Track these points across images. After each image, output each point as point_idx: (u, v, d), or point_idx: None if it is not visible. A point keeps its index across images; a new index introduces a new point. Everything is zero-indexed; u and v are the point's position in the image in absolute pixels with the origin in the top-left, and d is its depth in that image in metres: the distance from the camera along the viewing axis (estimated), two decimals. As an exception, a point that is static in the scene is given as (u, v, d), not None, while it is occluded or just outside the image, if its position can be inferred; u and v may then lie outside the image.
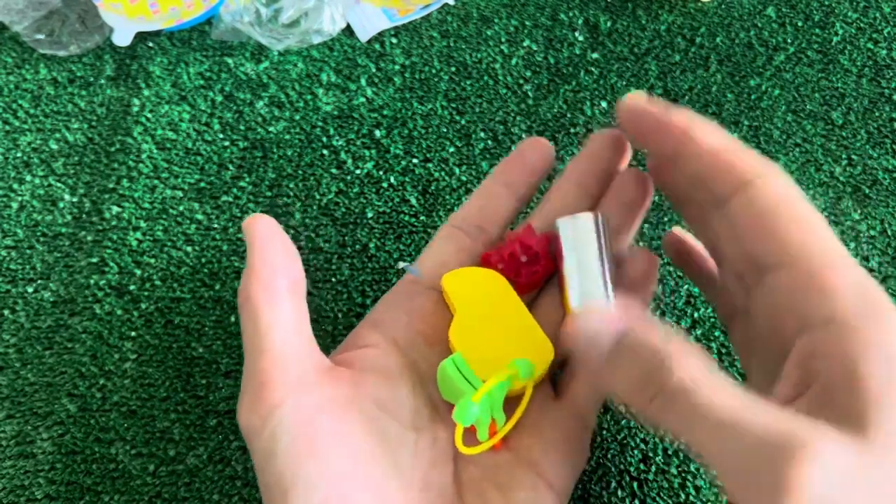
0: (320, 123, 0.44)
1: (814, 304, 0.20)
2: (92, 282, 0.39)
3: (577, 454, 0.27)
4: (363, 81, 0.46)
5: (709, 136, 0.24)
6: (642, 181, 0.29)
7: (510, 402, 0.28)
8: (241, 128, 0.44)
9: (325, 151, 0.43)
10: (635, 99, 0.25)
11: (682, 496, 0.33)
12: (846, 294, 0.20)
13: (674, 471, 0.33)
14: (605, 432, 0.34)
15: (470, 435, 0.27)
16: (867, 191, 0.42)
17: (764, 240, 0.22)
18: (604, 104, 0.45)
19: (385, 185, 0.42)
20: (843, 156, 0.43)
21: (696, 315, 0.37)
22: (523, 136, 0.43)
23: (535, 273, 0.29)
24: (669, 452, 0.34)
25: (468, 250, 0.30)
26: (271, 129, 0.44)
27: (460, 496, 0.26)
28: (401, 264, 0.29)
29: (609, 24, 0.48)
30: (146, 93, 0.45)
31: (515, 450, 0.27)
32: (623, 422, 0.34)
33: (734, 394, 0.19)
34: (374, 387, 0.26)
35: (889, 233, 0.40)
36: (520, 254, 0.29)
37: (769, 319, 0.22)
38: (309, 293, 0.38)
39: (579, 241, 0.27)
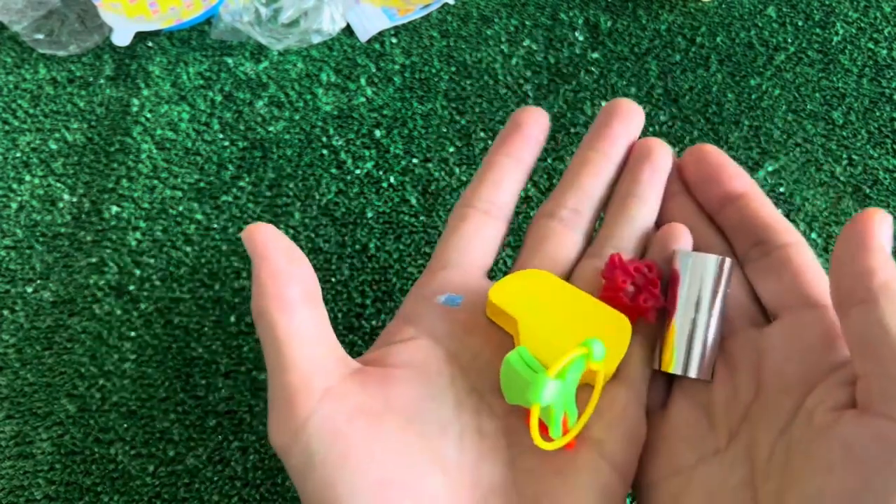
0: (320, 123, 0.44)
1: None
2: (91, 282, 0.39)
3: (637, 428, 0.26)
4: (363, 81, 0.46)
5: (763, 200, 0.28)
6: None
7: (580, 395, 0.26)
8: (241, 128, 0.44)
9: (324, 151, 0.43)
10: (710, 150, 0.29)
11: None
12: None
13: None
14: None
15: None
16: (868, 191, 0.42)
17: (808, 282, 0.26)
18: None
19: (385, 185, 0.42)
20: (844, 156, 0.43)
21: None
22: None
23: (653, 297, 0.27)
24: None
25: (495, 231, 0.29)
26: (271, 128, 0.44)
27: (517, 487, 0.25)
28: (440, 299, 0.27)
29: (609, 23, 0.48)
30: (145, 93, 0.45)
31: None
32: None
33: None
34: (408, 384, 0.25)
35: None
36: (644, 275, 0.27)
37: (791, 346, 0.25)
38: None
39: (703, 286, 0.27)
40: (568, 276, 0.29)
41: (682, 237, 0.29)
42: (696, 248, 0.29)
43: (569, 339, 0.26)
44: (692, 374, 0.26)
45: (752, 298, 0.28)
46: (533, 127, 0.30)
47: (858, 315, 0.23)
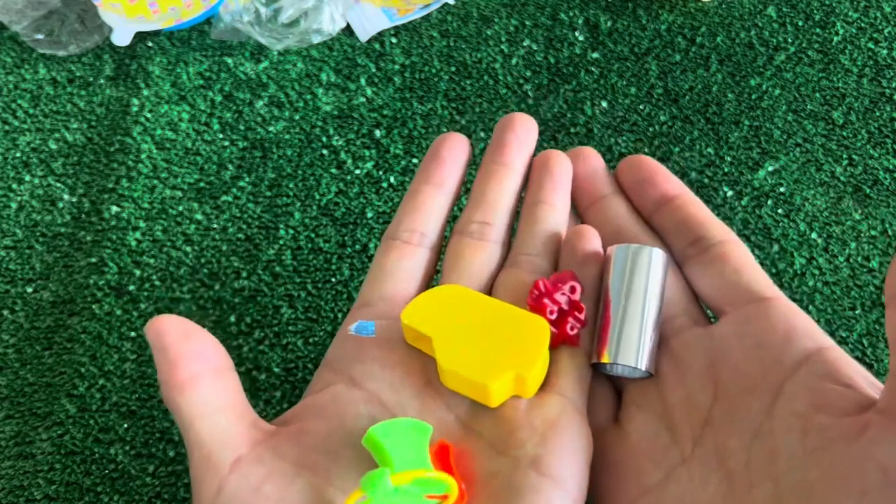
0: (320, 123, 0.44)
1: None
2: (91, 282, 0.39)
3: (579, 440, 0.24)
4: (363, 81, 0.46)
5: (696, 202, 0.29)
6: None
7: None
8: (241, 128, 0.44)
9: (324, 151, 0.43)
10: (646, 158, 0.30)
11: None
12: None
13: None
14: None
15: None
16: (868, 191, 0.42)
17: (751, 277, 0.26)
18: (604, 104, 0.45)
19: (385, 185, 0.42)
20: (844, 156, 0.43)
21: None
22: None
23: (579, 322, 0.27)
24: None
25: (417, 259, 0.29)
26: (271, 128, 0.44)
27: None
28: (351, 330, 0.26)
29: (609, 23, 0.48)
30: (145, 93, 0.45)
31: (505, 448, 0.24)
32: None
33: None
34: (320, 438, 0.24)
35: (890, 233, 0.40)
36: (569, 298, 0.27)
37: (750, 335, 0.25)
38: (310, 294, 0.39)
39: (635, 277, 0.26)
40: (489, 289, 0.28)
41: (591, 238, 0.28)
42: None
43: (485, 349, 0.25)
44: (630, 362, 0.25)
45: (691, 297, 0.28)
46: (452, 151, 0.30)
47: None
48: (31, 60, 0.47)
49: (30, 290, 0.39)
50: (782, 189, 0.41)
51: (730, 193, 0.41)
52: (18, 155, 0.43)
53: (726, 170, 0.42)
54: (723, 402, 0.24)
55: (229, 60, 0.46)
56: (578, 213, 0.31)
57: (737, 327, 0.25)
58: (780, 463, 0.22)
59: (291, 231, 0.40)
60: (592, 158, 0.31)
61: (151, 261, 0.39)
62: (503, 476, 0.23)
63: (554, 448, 0.23)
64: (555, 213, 0.30)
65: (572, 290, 0.27)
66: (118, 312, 0.38)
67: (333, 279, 0.39)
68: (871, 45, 0.47)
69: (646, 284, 0.26)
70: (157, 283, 0.39)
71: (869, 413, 0.21)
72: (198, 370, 0.24)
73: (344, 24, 0.47)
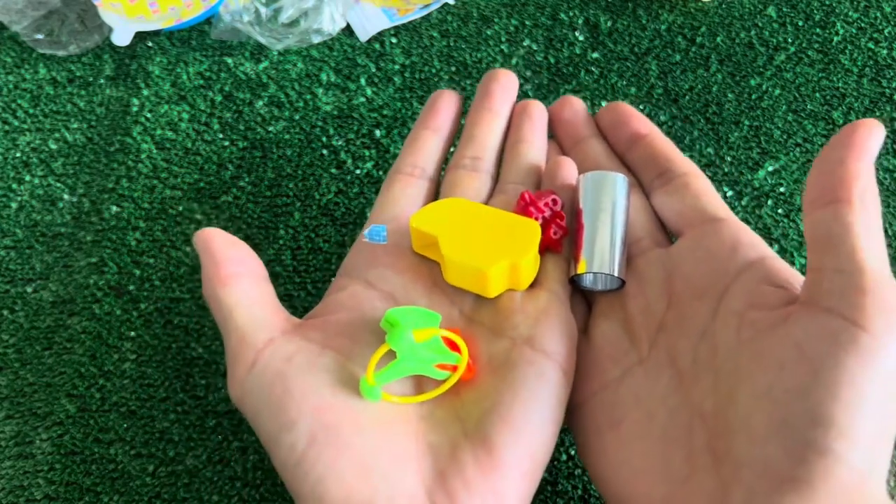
0: (320, 123, 0.44)
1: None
2: (91, 282, 0.39)
3: (566, 323, 0.28)
4: (363, 81, 0.46)
5: (664, 140, 0.33)
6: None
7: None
8: (241, 128, 0.44)
9: (324, 151, 0.43)
10: (622, 104, 0.35)
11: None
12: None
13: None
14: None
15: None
16: (868, 191, 0.41)
17: (707, 202, 0.30)
18: (604, 104, 0.44)
19: (385, 185, 0.42)
20: (844, 156, 0.43)
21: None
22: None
23: (561, 228, 0.30)
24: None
25: (418, 188, 0.33)
26: (271, 128, 0.44)
27: (458, 392, 0.27)
28: (364, 235, 0.31)
29: (609, 23, 0.48)
30: (145, 92, 0.45)
31: (503, 331, 0.27)
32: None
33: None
34: (344, 325, 0.28)
35: (889, 233, 0.40)
36: (551, 208, 0.31)
37: (704, 255, 0.28)
38: (310, 294, 0.39)
39: (602, 198, 0.30)
40: None
41: (568, 167, 0.32)
42: None
43: (484, 243, 0.29)
44: (605, 269, 0.29)
45: (656, 224, 0.31)
46: (446, 104, 0.35)
47: (829, 212, 0.24)
48: (31, 60, 0.47)
49: (30, 290, 0.39)
50: (782, 189, 0.41)
51: (730, 193, 0.41)
52: (18, 155, 0.43)
53: (726, 170, 0.42)
54: (675, 309, 0.28)
55: (229, 60, 0.46)
56: (563, 152, 0.35)
57: (691, 243, 0.29)
58: (719, 357, 0.25)
59: (291, 231, 0.40)
60: (576, 104, 0.35)
61: (151, 261, 0.39)
62: (502, 353, 0.27)
63: (545, 328, 0.27)
64: (534, 150, 0.34)
65: (554, 202, 0.31)
66: (118, 312, 0.38)
67: (333, 279, 0.39)
68: (871, 45, 0.47)
69: (612, 204, 0.30)
70: (157, 283, 0.39)
71: (793, 305, 0.24)
72: (240, 271, 0.28)
73: (344, 24, 0.47)
